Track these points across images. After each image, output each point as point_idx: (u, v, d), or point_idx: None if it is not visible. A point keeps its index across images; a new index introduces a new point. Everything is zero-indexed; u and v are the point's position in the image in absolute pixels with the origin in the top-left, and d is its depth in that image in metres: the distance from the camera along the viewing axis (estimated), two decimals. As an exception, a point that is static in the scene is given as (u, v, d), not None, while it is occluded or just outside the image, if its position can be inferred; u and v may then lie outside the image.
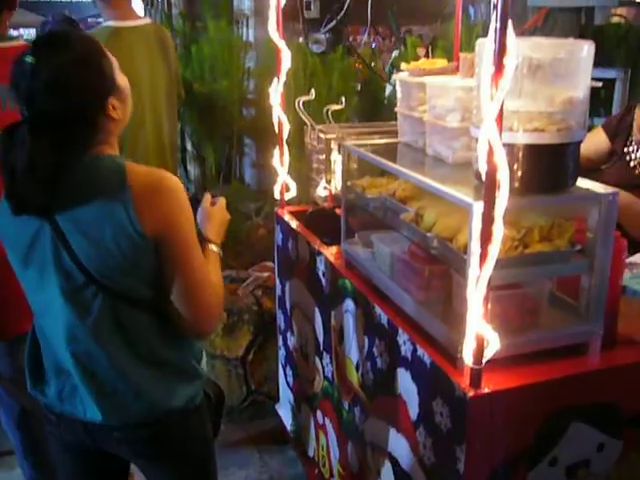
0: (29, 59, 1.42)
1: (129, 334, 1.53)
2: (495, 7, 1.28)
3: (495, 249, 1.35)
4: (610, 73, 4.17)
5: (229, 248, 3.19)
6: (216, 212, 1.78)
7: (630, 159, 2.36)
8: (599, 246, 1.56)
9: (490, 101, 1.30)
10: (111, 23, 2.85)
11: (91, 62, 1.47)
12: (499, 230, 1.35)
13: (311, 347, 2.53)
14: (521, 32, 4.12)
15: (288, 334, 2.80)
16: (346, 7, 4.64)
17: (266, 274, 3.44)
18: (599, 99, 4.27)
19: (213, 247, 1.70)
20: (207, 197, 1.80)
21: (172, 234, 1.48)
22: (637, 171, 2.37)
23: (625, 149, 2.38)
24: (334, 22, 4.74)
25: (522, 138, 1.50)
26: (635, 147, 2.37)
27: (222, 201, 1.82)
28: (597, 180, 2.21)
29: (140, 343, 1.55)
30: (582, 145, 1.63)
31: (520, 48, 1.40)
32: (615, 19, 4.75)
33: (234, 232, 3.63)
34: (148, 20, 3.14)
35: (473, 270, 1.39)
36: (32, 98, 1.43)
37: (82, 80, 1.45)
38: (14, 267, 1.61)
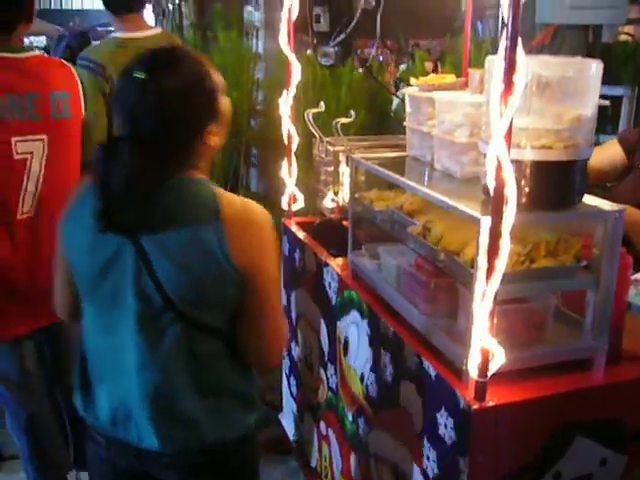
0: (140, 75, 1.39)
1: (200, 363, 1.50)
2: (506, 25, 1.30)
3: (502, 264, 1.37)
4: (617, 90, 4.20)
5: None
6: None
7: None
8: (605, 262, 1.57)
9: (499, 118, 1.32)
10: (119, 34, 2.89)
11: (200, 88, 1.45)
12: (506, 245, 1.36)
13: (316, 358, 2.54)
14: (529, 49, 4.15)
15: (293, 344, 2.81)
16: (355, 21, 4.69)
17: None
18: (606, 116, 4.29)
19: None
20: None
21: (260, 269, 1.47)
22: None
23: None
24: (343, 35, 4.79)
25: (530, 155, 1.52)
26: None
27: None
28: (610, 195, 2.22)
29: (210, 372, 1.53)
30: (594, 157, 1.63)
31: (529, 66, 1.42)
32: (622, 37, 4.78)
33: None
34: (158, 30, 3.17)
35: (480, 284, 1.40)
36: (136, 116, 1.41)
37: (188, 106, 1.43)
38: (79, 284, 1.57)
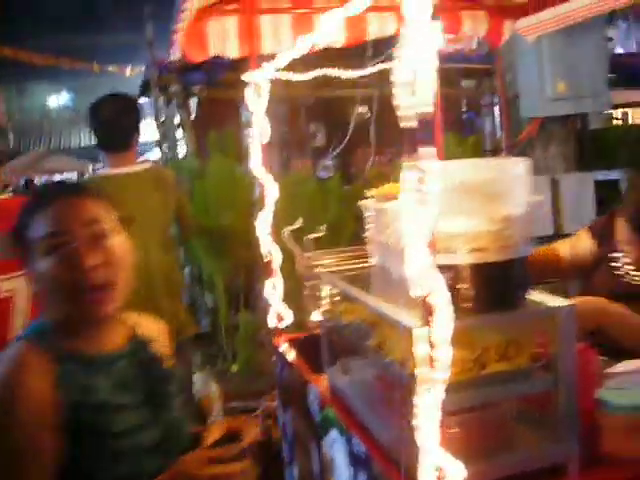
0: None
1: None
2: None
3: (442, 374, 1.32)
4: (613, 174, 4.18)
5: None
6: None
7: (616, 267, 2.26)
8: (561, 360, 1.51)
9: (415, 227, 1.31)
10: (103, 171, 3.07)
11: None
12: (445, 354, 1.32)
13: (309, 478, 2.45)
14: (515, 144, 4.19)
15: (293, 466, 2.73)
16: (349, 135, 4.84)
17: (276, 403, 3.40)
18: (606, 200, 4.26)
19: None
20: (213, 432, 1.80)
21: None
22: (625, 280, 2.27)
23: (609, 255, 2.30)
24: (338, 150, 4.94)
25: (466, 258, 1.50)
26: (619, 255, 2.28)
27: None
28: (586, 287, 2.15)
29: None
30: (565, 249, 1.58)
31: (450, 171, 1.43)
32: (615, 122, 4.81)
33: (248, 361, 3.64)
34: (146, 165, 3.31)
35: (421, 397, 1.35)
36: None
37: None
38: None
